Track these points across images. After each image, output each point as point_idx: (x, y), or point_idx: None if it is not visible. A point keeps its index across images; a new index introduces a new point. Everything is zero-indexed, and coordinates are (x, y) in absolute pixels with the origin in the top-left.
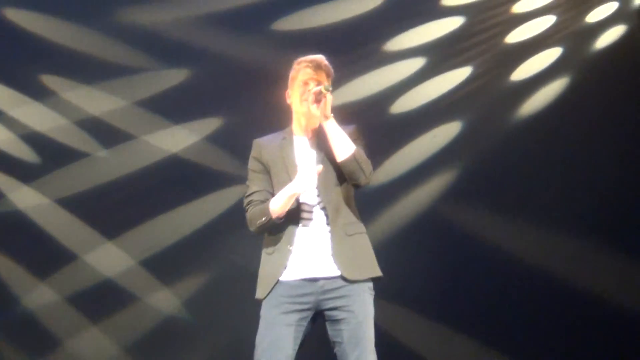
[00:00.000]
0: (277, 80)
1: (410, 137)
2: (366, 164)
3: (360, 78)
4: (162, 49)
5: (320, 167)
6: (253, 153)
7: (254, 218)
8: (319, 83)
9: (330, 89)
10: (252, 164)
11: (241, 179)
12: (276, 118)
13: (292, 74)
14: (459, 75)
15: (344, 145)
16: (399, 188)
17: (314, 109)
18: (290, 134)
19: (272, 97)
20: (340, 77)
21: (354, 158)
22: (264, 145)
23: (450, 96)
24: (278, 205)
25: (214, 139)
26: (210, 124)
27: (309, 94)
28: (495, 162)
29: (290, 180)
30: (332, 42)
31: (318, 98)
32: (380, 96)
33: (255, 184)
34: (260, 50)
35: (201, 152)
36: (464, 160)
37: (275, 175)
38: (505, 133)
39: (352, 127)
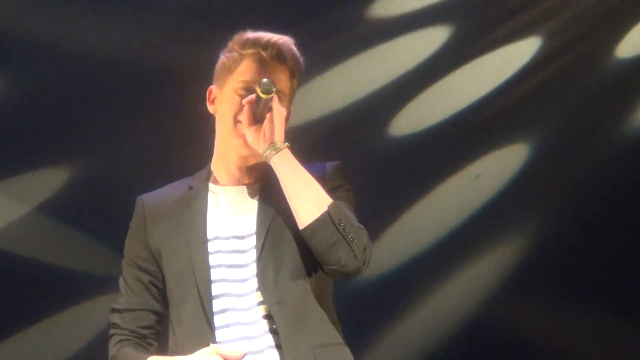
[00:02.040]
0: (174, 85)
1: (430, 180)
2: (356, 231)
3: (331, 71)
4: None
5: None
6: (133, 222)
7: None
8: (278, 92)
9: (274, 89)
10: (128, 244)
11: (111, 283)
12: (177, 157)
13: (224, 61)
14: (516, 56)
15: (309, 198)
16: (415, 278)
17: (251, 134)
18: (204, 179)
19: (162, 117)
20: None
21: (329, 220)
22: (152, 207)
23: (502, 98)
24: None
25: (56, 207)
26: (48, 181)
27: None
28: (591, 219)
29: (192, 274)
30: (277, 5)
31: (258, 112)
32: (370, 104)
33: (127, 289)
34: (135, 36)
35: (33, 235)
36: (533, 220)
37: (166, 263)
38: (609, 162)
39: (330, 166)
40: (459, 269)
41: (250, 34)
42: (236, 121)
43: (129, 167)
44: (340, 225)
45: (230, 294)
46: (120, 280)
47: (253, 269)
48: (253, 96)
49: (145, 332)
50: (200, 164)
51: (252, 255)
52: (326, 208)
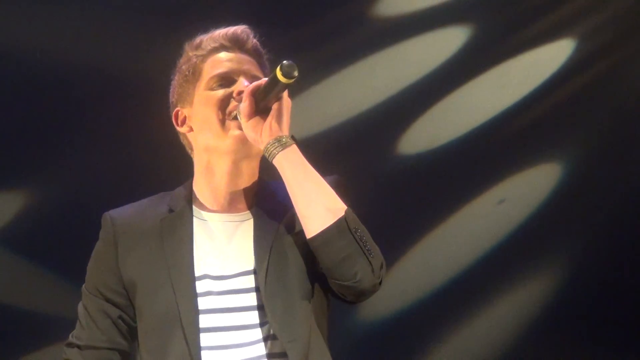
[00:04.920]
0: (143, 95)
1: (446, 206)
2: (373, 243)
3: (330, 79)
4: None
5: None
6: (100, 245)
7: None
8: (253, 79)
9: (297, 70)
10: (94, 269)
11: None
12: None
13: (183, 73)
14: (545, 61)
15: (321, 202)
16: (428, 319)
17: (250, 128)
18: (186, 201)
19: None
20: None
21: (345, 228)
22: (124, 229)
23: (529, 109)
24: None
25: (10, 237)
26: (0, 207)
27: (237, 100)
28: (632, 249)
29: (178, 321)
30: (268, 4)
31: (263, 102)
32: (376, 117)
33: (90, 321)
34: (96, 41)
35: None
36: (566, 251)
37: (143, 300)
38: None
39: (329, 181)
40: (479, 309)
41: (203, 35)
42: (222, 120)
43: (95, 189)
44: (358, 234)
45: (226, 346)
46: (80, 308)
47: (254, 315)
48: (256, 85)
49: None
50: (176, 181)
51: (252, 297)
52: (342, 214)
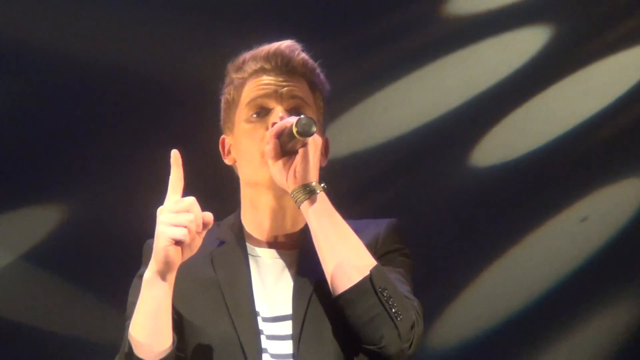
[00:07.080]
0: (189, 105)
1: (521, 224)
2: (403, 304)
3: (395, 86)
4: None
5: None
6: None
7: None
8: (296, 111)
9: (315, 129)
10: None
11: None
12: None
13: (226, 98)
14: (634, 64)
15: (347, 258)
16: (501, 351)
17: (277, 170)
18: (237, 233)
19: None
20: (340, 89)
21: (370, 288)
22: None
23: (615, 118)
24: (143, 322)
25: (46, 255)
26: (36, 223)
27: (269, 138)
28: None
29: (234, 340)
30: (324, 4)
31: (287, 146)
32: (446, 127)
33: None
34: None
35: (17, 291)
36: None
37: (192, 328)
38: None
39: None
40: (558, 337)
41: (246, 53)
42: (260, 155)
43: (137, 204)
44: (384, 295)
45: None
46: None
47: None
48: (281, 127)
49: None
50: (222, 202)
51: (289, 345)
52: (368, 272)
